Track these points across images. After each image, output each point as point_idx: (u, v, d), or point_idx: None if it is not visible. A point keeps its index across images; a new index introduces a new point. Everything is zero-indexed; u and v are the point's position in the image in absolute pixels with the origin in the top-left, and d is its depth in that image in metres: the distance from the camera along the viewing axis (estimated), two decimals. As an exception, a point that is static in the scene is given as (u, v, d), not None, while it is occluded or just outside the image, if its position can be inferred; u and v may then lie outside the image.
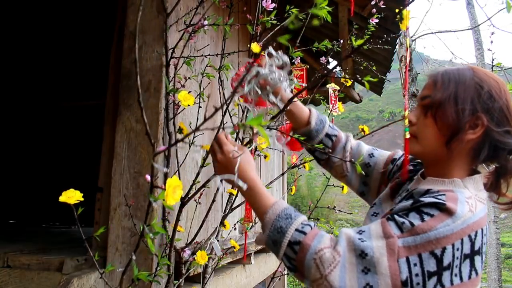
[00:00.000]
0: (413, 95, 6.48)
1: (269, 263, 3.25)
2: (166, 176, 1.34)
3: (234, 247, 1.62)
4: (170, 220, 1.44)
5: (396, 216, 0.69)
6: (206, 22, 1.37)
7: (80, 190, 0.78)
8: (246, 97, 0.83)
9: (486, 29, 12.23)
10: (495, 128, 0.74)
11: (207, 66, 1.52)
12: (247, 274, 2.59)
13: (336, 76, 2.61)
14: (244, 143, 1.58)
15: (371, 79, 0.88)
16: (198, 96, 1.50)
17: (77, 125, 4.22)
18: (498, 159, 0.77)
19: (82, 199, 0.71)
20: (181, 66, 1.48)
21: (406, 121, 0.84)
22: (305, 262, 0.68)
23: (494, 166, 0.79)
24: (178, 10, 1.59)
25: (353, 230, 0.71)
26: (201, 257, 1.28)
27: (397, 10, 0.82)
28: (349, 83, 1.59)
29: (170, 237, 1.32)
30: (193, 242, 1.58)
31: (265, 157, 1.58)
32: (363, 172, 0.99)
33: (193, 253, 1.44)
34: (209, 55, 1.59)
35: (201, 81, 1.50)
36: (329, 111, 1.73)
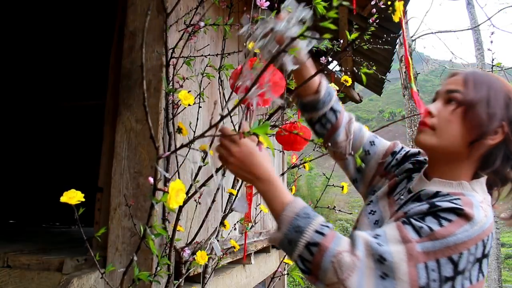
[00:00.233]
0: (413, 95, 6.46)
1: (269, 263, 3.26)
2: (166, 177, 1.34)
3: (234, 247, 1.62)
4: (170, 220, 1.44)
5: (412, 220, 0.68)
6: (202, 24, 1.37)
7: (80, 190, 0.77)
8: (248, 100, 0.78)
9: (486, 29, 12.23)
10: None
11: (207, 66, 1.52)
12: (247, 274, 2.59)
13: (336, 75, 2.61)
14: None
15: (367, 70, 0.88)
16: (198, 96, 1.50)
17: (77, 125, 4.23)
18: (503, 169, 0.78)
19: (84, 199, 0.71)
20: (181, 66, 1.48)
21: (412, 79, 0.82)
22: (322, 264, 0.65)
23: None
24: (178, 10, 1.59)
25: (369, 234, 0.69)
26: (201, 257, 1.28)
27: (389, 3, 0.82)
28: (349, 83, 1.59)
29: (170, 237, 1.32)
30: (193, 242, 1.58)
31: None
32: (362, 160, 0.95)
33: (193, 253, 1.44)
34: (209, 55, 1.59)
35: (201, 81, 1.50)
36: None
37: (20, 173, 4.21)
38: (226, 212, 1.61)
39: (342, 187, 1.61)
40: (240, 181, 1.66)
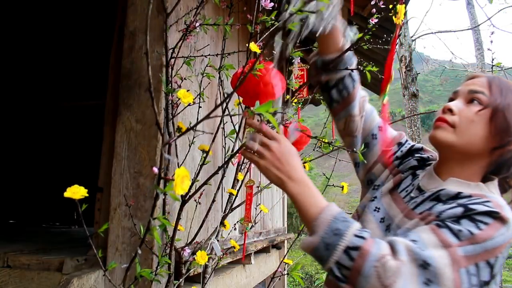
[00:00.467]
0: (413, 95, 6.46)
1: (269, 263, 3.26)
2: (160, 174, 1.34)
3: (234, 247, 1.62)
4: (170, 219, 1.44)
5: (449, 223, 0.66)
6: (198, 24, 1.37)
7: (80, 190, 0.77)
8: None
9: (486, 29, 12.23)
10: None
11: (207, 66, 1.52)
12: (247, 274, 2.59)
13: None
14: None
15: (371, 68, 0.87)
16: (198, 96, 1.50)
17: (77, 125, 4.23)
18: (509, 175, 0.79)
19: (87, 194, 0.71)
20: (181, 66, 1.48)
21: (386, 90, 0.81)
22: (364, 270, 0.61)
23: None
24: (178, 10, 1.59)
25: (406, 239, 0.66)
26: (201, 257, 1.28)
27: (391, 6, 0.82)
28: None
29: (170, 236, 1.32)
30: (193, 242, 1.58)
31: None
32: (367, 145, 0.93)
33: (193, 253, 1.44)
34: (209, 55, 1.59)
35: (201, 81, 1.51)
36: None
37: (20, 173, 4.21)
38: (226, 212, 1.61)
39: (342, 187, 1.61)
40: (240, 181, 1.66)
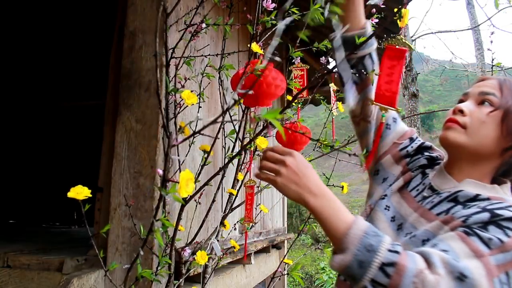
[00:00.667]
0: (413, 95, 6.46)
1: (269, 263, 3.26)
2: (164, 176, 1.34)
3: (234, 247, 1.62)
4: (170, 219, 1.44)
5: (477, 231, 0.64)
6: (204, 25, 1.37)
7: (80, 190, 0.77)
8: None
9: (486, 29, 12.23)
10: None
11: (207, 66, 1.52)
12: (247, 274, 2.59)
13: (336, 75, 2.61)
14: (244, 143, 1.58)
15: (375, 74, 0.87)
16: (198, 96, 1.50)
17: (77, 125, 4.23)
18: None
19: (90, 195, 0.71)
20: (181, 66, 1.48)
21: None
22: (402, 287, 0.59)
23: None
24: (178, 10, 1.59)
25: (437, 249, 0.64)
26: (201, 257, 1.28)
27: (395, 10, 0.82)
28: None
29: (171, 236, 1.32)
30: (193, 242, 1.58)
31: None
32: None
33: (193, 253, 1.44)
34: (209, 55, 1.59)
35: (201, 81, 1.51)
36: (329, 111, 1.73)
37: (20, 173, 4.21)
38: (226, 212, 1.61)
39: (342, 187, 1.61)
40: (240, 181, 1.66)
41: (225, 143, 1.69)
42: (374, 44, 0.90)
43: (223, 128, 1.53)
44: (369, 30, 0.89)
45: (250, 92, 0.67)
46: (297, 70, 1.42)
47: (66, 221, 3.82)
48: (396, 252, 0.61)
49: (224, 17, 1.43)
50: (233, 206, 1.64)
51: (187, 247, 1.48)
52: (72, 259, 1.54)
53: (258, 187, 1.86)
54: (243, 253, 2.02)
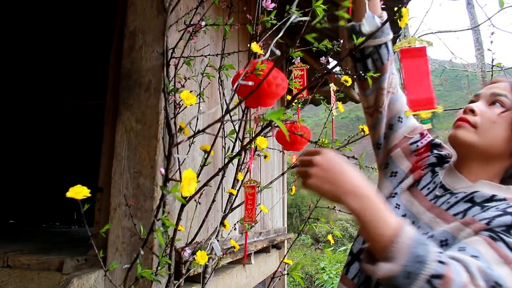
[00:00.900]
0: (413, 95, 6.45)
1: (269, 263, 3.26)
2: (167, 175, 1.34)
3: (234, 247, 1.62)
4: (170, 219, 1.44)
5: (503, 236, 0.64)
6: (203, 23, 1.37)
7: (80, 190, 0.77)
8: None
9: (486, 29, 12.25)
10: None
11: (207, 66, 1.52)
12: (247, 274, 2.59)
13: (336, 75, 2.61)
14: (244, 143, 1.58)
15: (374, 74, 0.87)
16: (198, 96, 1.50)
17: (77, 125, 4.23)
18: None
19: (90, 195, 0.71)
20: (181, 66, 1.48)
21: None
22: None
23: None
24: (178, 10, 1.59)
25: (469, 256, 0.62)
26: (201, 257, 1.28)
27: (396, 9, 0.82)
28: (349, 83, 1.59)
29: (171, 236, 1.32)
30: (193, 242, 1.58)
31: (265, 157, 1.58)
32: (391, 126, 0.91)
33: (193, 253, 1.44)
34: (209, 55, 1.59)
35: (201, 81, 1.51)
36: (329, 111, 1.73)
37: (20, 173, 4.21)
38: (226, 212, 1.61)
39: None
40: (240, 181, 1.66)
41: (225, 143, 1.69)
42: (390, 34, 0.91)
43: (223, 128, 1.53)
44: (385, 19, 0.88)
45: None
46: (297, 70, 1.42)
47: (66, 221, 3.82)
48: (443, 263, 0.58)
49: (224, 17, 1.43)
50: (233, 206, 1.64)
51: (187, 247, 1.48)
52: (72, 259, 1.54)
53: (258, 187, 1.86)
54: (243, 253, 2.02)
